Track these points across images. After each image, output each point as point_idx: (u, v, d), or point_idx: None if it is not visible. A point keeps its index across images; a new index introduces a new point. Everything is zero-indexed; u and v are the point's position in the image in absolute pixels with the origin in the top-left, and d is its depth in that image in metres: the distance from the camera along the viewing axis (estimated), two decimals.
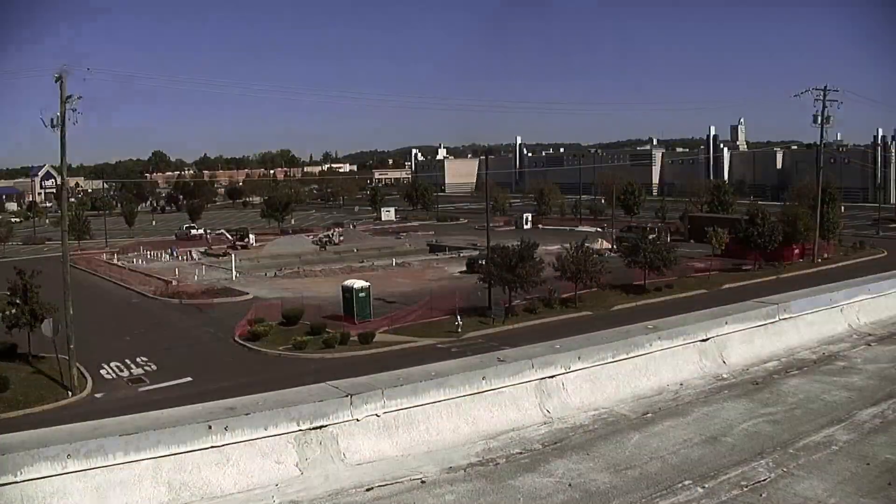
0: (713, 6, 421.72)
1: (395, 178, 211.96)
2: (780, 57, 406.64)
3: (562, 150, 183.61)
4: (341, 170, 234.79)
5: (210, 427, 5.21)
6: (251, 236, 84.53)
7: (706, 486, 5.31)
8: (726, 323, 8.68)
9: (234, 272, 60.61)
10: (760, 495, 5.16)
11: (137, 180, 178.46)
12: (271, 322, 40.47)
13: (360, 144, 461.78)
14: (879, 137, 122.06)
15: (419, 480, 5.45)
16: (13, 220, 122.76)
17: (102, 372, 34.57)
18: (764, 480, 5.39)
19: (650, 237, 54.64)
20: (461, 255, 68.01)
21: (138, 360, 36.16)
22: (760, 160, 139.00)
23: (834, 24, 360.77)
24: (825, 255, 63.20)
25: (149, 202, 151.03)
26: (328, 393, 5.89)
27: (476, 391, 6.46)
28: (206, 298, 51.24)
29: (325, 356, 36.00)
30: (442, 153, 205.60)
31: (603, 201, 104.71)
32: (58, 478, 4.71)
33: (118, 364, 35.54)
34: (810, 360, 8.72)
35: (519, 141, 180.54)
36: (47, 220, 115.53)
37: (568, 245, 46.69)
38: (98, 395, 31.80)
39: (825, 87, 62.95)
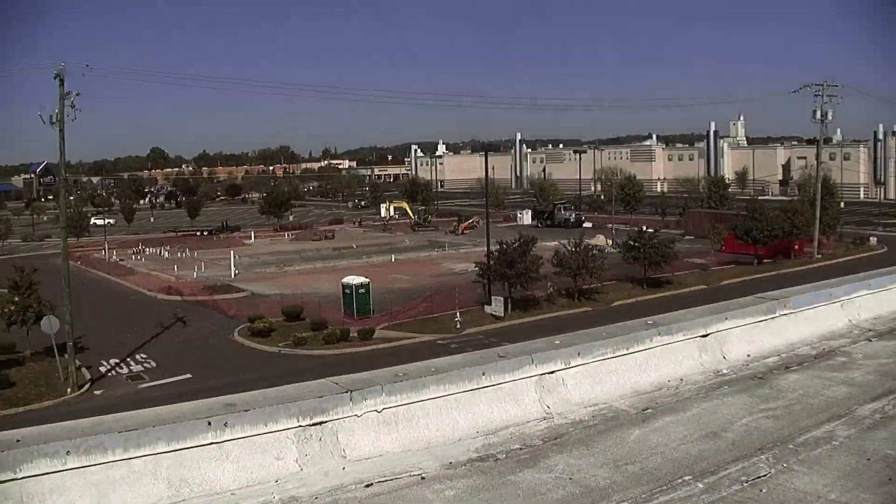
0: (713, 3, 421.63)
1: (395, 175, 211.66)
2: (780, 53, 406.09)
3: (561, 145, 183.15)
4: (341, 166, 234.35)
5: (209, 423, 5.20)
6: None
7: (706, 481, 5.30)
8: (726, 318, 8.67)
9: (232, 269, 60.58)
10: (760, 490, 5.15)
11: (135, 173, 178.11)
12: (271, 319, 40.46)
13: (360, 141, 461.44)
14: (880, 133, 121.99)
15: (419, 476, 5.44)
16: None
17: (102, 369, 34.55)
18: (764, 476, 5.38)
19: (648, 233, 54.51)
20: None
21: (137, 356, 36.16)
22: (761, 156, 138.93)
23: (834, 21, 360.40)
24: (825, 251, 63.23)
25: (148, 199, 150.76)
26: (328, 389, 5.88)
27: (476, 387, 6.45)
28: (204, 295, 51.22)
29: (324, 352, 36.00)
30: (441, 149, 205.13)
31: (601, 197, 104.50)
32: (57, 475, 4.70)
33: (118, 361, 35.52)
34: (810, 356, 8.72)
35: (518, 137, 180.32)
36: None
37: (566, 241, 46.63)
38: (97, 392, 31.78)
39: (824, 83, 62.88)
